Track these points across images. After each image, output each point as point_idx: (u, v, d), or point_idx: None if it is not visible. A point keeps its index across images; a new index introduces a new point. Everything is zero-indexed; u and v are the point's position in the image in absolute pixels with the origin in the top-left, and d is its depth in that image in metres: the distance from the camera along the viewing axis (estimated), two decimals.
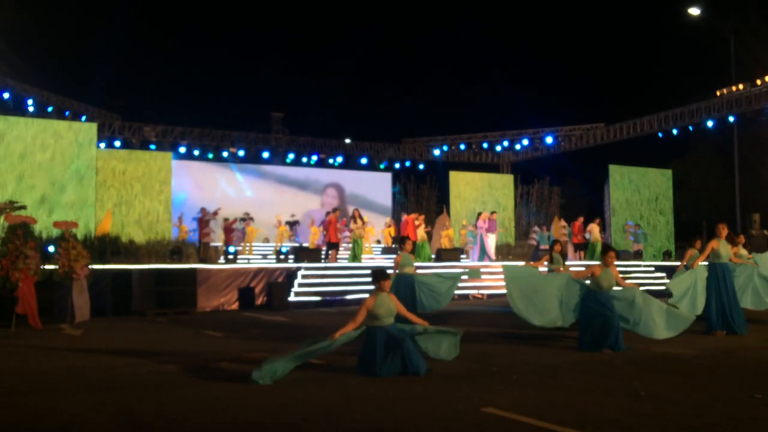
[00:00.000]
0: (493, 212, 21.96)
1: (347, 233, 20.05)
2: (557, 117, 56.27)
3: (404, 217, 21.85)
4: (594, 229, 20.49)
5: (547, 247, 22.59)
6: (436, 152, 34.51)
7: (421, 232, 19.58)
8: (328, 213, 21.27)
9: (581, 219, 21.87)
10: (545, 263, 11.49)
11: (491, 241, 21.01)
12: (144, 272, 14.57)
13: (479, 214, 21.69)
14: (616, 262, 8.96)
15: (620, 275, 8.86)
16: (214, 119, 35.74)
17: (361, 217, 19.49)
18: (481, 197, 25.32)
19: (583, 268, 11.73)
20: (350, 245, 20.01)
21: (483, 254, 20.87)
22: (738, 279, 10.32)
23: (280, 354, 6.81)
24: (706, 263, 10.06)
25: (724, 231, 10.04)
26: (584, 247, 21.55)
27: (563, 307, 8.97)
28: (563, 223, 24.21)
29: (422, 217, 21.03)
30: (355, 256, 18.92)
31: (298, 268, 16.59)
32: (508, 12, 59.12)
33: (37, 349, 9.31)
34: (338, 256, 19.78)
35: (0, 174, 16.23)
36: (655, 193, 25.73)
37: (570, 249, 22.31)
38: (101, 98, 38.49)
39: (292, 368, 6.62)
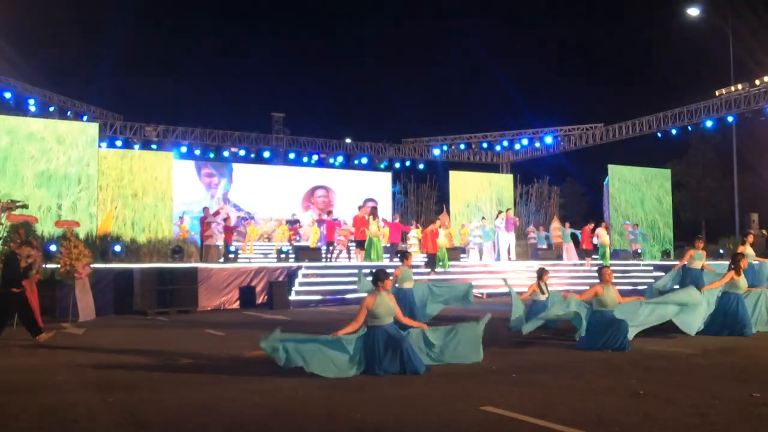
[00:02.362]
0: (508, 209, 22.08)
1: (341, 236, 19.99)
2: (557, 117, 56.37)
3: (397, 218, 21.82)
4: (601, 233, 20.31)
5: (545, 246, 22.61)
6: (436, 152, 34.53)
7: (441, 242, 18.52)
8: (330, 212, 21.29)
9: (591, 225, 21.40)
10: (531, 294, 10.91)
11: (510, 240, 21.07)
12: (145, 271, 14.62)
13: (499, 212, 21.76)
14: (616, 262, 9.05)
15: (618, 282, 9.05)
16: (216, 119, 35.76)
17: (377, 217, 19.58)
18: (480, 197, 25.39)
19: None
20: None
21: (498, 254, 20.97)
22: (754, 306, 10.25)
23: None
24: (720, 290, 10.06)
25: (745, 264, 10.22)
26: (593, 253, 21.28)
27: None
28: (557, 224, 24.18)
29: (439, 222, 19.45)
30: (374, 255, 18.85)
31: (299, 268, 16.64)
32: (507, 12, 59.22)
33: (39, 347, 9.35)
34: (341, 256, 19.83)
35: (2, 173, 16.26)
36: (654, 192, 25.79)
37: (568, 250, 22.31)
38: (103, 98, 38.61)
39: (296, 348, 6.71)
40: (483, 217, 22.65)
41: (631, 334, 8.91)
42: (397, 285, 10.28)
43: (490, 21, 60.84)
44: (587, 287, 10.41)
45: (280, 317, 13.42)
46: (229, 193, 29.68)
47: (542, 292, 10.74)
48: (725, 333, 9.65)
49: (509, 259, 20.92)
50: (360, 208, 19.70)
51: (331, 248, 19.58)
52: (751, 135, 31.30)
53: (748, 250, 12.76)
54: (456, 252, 20.48)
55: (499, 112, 60.98)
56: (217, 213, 19.57)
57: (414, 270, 15.81)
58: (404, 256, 10.22)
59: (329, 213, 20.42)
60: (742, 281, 10.01)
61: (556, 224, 24.44)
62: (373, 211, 19.74)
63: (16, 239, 11.65)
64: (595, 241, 20.76)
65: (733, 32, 28.44)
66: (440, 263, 18.04)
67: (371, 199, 32.19)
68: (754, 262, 12.76)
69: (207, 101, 52.73)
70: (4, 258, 10.19)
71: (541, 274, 10.93)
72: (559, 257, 22.39)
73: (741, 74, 27.43)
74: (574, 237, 22.84)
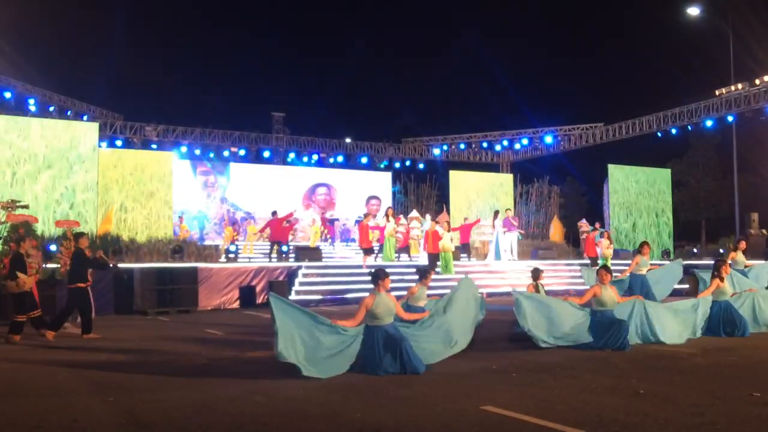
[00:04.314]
0: (507, 209, 22.00)
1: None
2: (557, 116, 56.45)
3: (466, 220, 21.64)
4: (603, 242, 20.07)
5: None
6: (436, 152, 34.51)
7: (446, 244, 17.77)
8: (366, 214, 21.18)
9: (594, 232, 20.91)
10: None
11: (509, 240, 21.03)
12: (145, 271, 14.61)
13: (496, 212, 21.67)
14: (616, 261, 9.04)
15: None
16: (216, 119, 35.70)
17: (394, 216, 19.50)
18: (480, 196, 25.39)
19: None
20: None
21: (498, 254, 20.90)
22: (742, 309, 10.26)
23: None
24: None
25: (727, 270, 10.25)
26: (596, 261, 20.84)
27: (574, 329, 8.84)
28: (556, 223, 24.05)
29: (446, 225, 18.46)
30: (389, 255, 18.75)
31: (299, 267, 16.64)
32: (507, 12, 59.22)
33: (39, 347, 9.35)
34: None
35: (2, 173, 16.26)
36: (654, 192, 25.77)
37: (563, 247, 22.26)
38: (103, 98, 38.59)
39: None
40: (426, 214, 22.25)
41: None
42: (408, 302, 9.54)
43: (490, 21, 60.86)
44: (586, 287, 10.43)
45: None
46: (226, 192, 29.66)
47: (537, 293, 10.69)
48: (723, 335, 9.70)
49: (511, 259, 20.88)
50: (365, 215, 19.58)
51: (374, 251, 18.94)
52: (751, 135, 31.32)
53: (740, 257, 12.54)
54: (456, 252, 20.45)
55: (499, 112, 60.97)
56: (290, 214, 20.13)
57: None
58: (424, 275, 9.81)
59: (366, 215, 19.88)
60: (728, 287, 10.10)
61: (556, 223, 24.43)
62: (388, 211, 19.74)
63: (15, 238, 11.66)
64: (598, 250, 20.39)
65: (733, 32, 28.43)
66: (444, 266, 17.86)
67: (374, 197, 32.21)
68: (746, 269, 12.46)
69: (207, 101, 52.70)
70: (72, 255, 10.48)
71: (537, 274, 10.93)
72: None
73: (741, 74, 27.44)
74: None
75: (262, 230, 21.84)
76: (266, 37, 62.58)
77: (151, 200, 19.51)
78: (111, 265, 11.59)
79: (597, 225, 22.78)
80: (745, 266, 12.64)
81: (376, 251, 19.55)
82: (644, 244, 12.29)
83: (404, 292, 9.64)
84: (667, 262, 12.35)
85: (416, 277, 9.96)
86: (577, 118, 42.89)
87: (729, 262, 12.18)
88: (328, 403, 5.63)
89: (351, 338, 7.06)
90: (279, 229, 19.52)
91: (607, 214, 25.18)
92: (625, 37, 56.10)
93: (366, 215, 19.66)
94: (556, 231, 27.03)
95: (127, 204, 19.26)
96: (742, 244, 13.02)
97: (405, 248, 20.24)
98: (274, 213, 20.20)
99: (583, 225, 24.06)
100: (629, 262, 21.49)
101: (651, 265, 12.74)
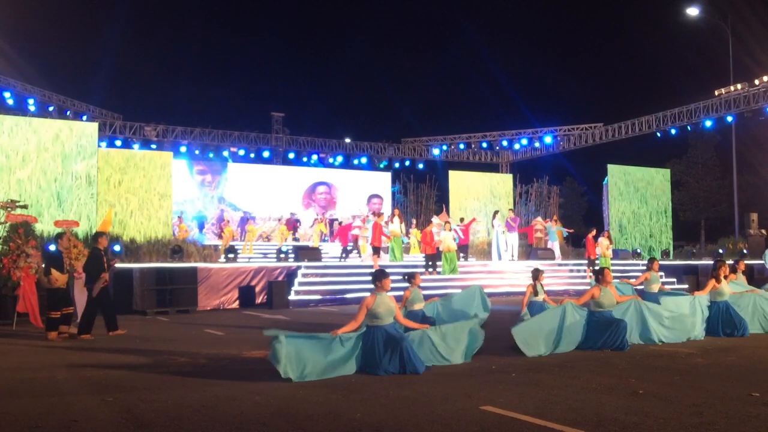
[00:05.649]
0: (510, 209, 21.97)
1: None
2: (556, 117, 56.57)
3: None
4: (603, 242, 19.99)
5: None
6: (436, 152, 34.55)
7: (450, 244, 17.77)
8: (380, 214, 21.20)
9: (593, 232, 20.67)
10: (528, 296, 10.56)
11: (512, 240, 21.07)
12: (145, 271, 14.62)
13: (495, 212, 21.63)
14: (615, 262, 9.02)
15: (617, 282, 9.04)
16: (215, 119, 35.74)
17: (401, 217, 19.53)
18: (480, 196, 25.39)
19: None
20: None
21: (499, 254, 20.91)
22: (743, 311, 10.24)
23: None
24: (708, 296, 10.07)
25: (725, 271, 10.19)
26: (595, 261, 20.68)
27: (563, 334, 8.60)
28: (552, 222, 24.00)
29: (447, 225, 18.29)
30: (397, 255, 18.77)
31: (298, 267, 16.64)
32: (507, 12, 59.24)
33: (39, 347, 9.35)
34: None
35: (1, 172, 16.25)
36: (654, 192, 25.79)
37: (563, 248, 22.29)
38: (102, 98, 38.59)
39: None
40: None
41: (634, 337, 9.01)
42: (406, 307, 9.53)
43: (490, 21, 60.89)
44: (586, 287, 10.45)
45: (279, 317, 13.43)
46: (223, 192, 29.65)
47: (536, 294, 10.67)
48: (722, 336, 9.72)
49: (511, 258, 20.87)
50: (379, 214, 19.57)
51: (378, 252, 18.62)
52: (750, 135, 31.41)
53: (740, 279, 11.66)
54: (456, 251, 20.46)
55: (499, 112, 61.07)
56: (365, 218, 20.64)
57: (415, 270, 15.70)
58: (412, 277, 9.82)
59: (379, 215, 19.80)
60: (725, 287, 10.06)
61: (554, 223, 24.37)
62: (395, 212, 19.78)
63: (16, 239, 11.66)
64: (597, 251, 20.33)
65: (732, 32, 28.48)
66: (448, 267, 17.82)
67: (376, 195, 32.20)
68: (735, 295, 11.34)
69: (206, 101, 52.75)
70: (88, 255, 10.59)
71: (536, 274, 10.90)
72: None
73: (740, 74, 27.51)
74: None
75: (334, 236, 23.37)
76: (266, 37, 62.57)
77: (150, 200, 19.49)
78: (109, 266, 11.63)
79: (554, 218, 22.94)
80: (740, 289, 12.13)
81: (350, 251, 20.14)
82: (653, 260, 12.00)
83: (401, 293, 9.60)
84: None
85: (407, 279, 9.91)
86: (577, 118, 43.03)
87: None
88: (328, 403, 5.62)
89: (350, 348, 6.98)
90: (347, 235, 20.57)
91: (606, 214, 25.21)
92: (625, 37, 56.17)
93: (379, 215, 19.63)
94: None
95: (127, 204, 19.25)
96: (741, 265, 12.31)
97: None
98: (340, 222, 20.96)
99: (538, 222, 24.09)
100: (629, 262, 21.78)
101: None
